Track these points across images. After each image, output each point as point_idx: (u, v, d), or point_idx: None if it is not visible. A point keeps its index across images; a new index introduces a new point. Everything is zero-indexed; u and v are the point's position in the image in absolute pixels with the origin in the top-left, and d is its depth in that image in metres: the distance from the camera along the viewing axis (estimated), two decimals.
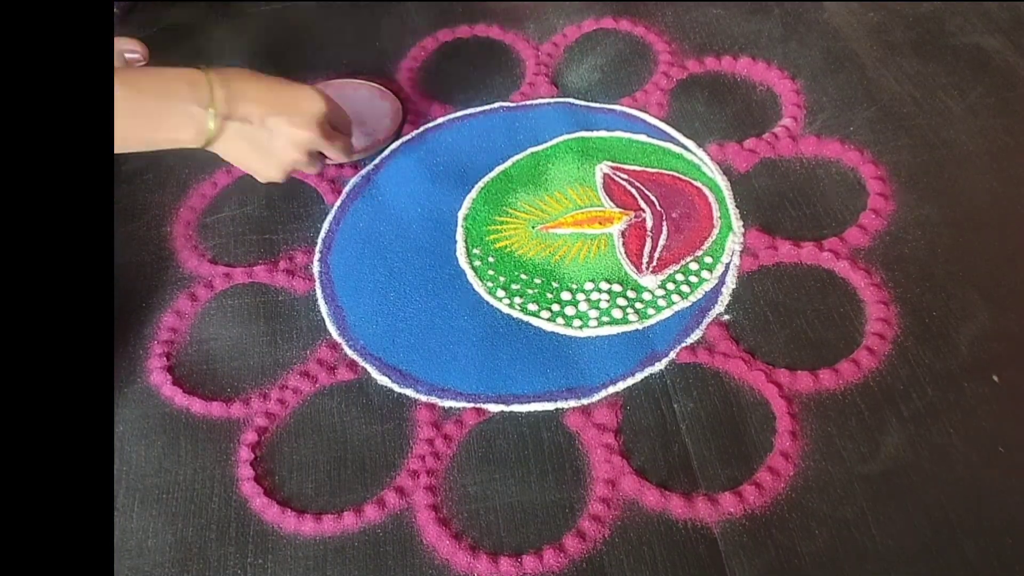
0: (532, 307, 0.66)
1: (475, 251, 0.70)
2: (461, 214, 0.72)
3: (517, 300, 0.66)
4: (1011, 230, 0.66)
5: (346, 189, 0.75)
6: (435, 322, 0.66)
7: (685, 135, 0.76)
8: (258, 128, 0.63)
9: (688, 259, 0.67)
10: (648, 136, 0.76)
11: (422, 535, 0.56)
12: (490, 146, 0.77)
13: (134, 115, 0.60)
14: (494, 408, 0.61)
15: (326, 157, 0.69)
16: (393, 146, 0.78)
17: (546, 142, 0.76)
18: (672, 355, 0.62)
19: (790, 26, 0.83)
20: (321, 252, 0.71)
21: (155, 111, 0.60)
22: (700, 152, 0.74)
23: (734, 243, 0.68)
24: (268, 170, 0.66)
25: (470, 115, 0.80)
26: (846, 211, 0.68)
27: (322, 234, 0.72)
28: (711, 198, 0.71)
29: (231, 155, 0.65)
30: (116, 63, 0.69)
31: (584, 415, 0.60)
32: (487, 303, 0.66)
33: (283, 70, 0.82)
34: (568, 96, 0.80)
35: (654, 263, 0.67)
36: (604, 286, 0.66)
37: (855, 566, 0.52)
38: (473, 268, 0.68)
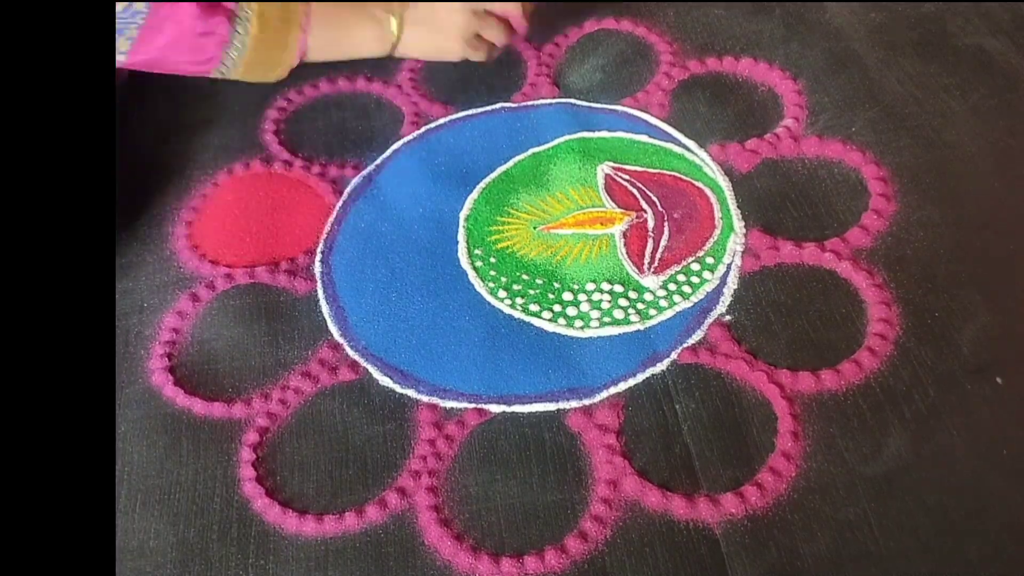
0: (534, 307, 0.66)
1: (476, 251, 0.70)
2: (463, 214, 0.72)
3: (519, 300, 0.66)
4: (1013, 231, 0.66)
5: (347, 190, 0.75)
6: (437, 322, 0.66)
7: (687, 135, 0.75)
8: (424, 13, 0.76)
9: (690, 260, 0.67)
10: (650, 136, 0.76)
11: (424, 536, 0.56)
12: (492, 146, 0.77)
13: (332, 26, 0.74)
14: (496, 409, 0.61)
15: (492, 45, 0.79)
16: (395, 146, 0.78)
17: (547, 142, 0.76)
18: (674, 356, 0.62)
19: (792, 26, 0.83)
20: (323, 252, 0.71)
21: (350, 20, 0.75)
22: (702, 153, 0.74)
23: (736, 244, 0.68)
24: (450, 44, 0.77)
25: (471, 115, 0.80)
26: (848, 212, 0.68)
27: (323, 234, 0.72)
28: (713, 199, 0.71)
29: (415, 48, 0.78)
30: None
31: (586, 416, 0.60)
32: (488, 303, 0.66)
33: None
34: (570, 96, 0.80)
35: (656, 264, 0.67)
36: (606, 287, 0.66)
37: (857, 567, 0.52)
38: (475, 268, 0.68)
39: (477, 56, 0.79)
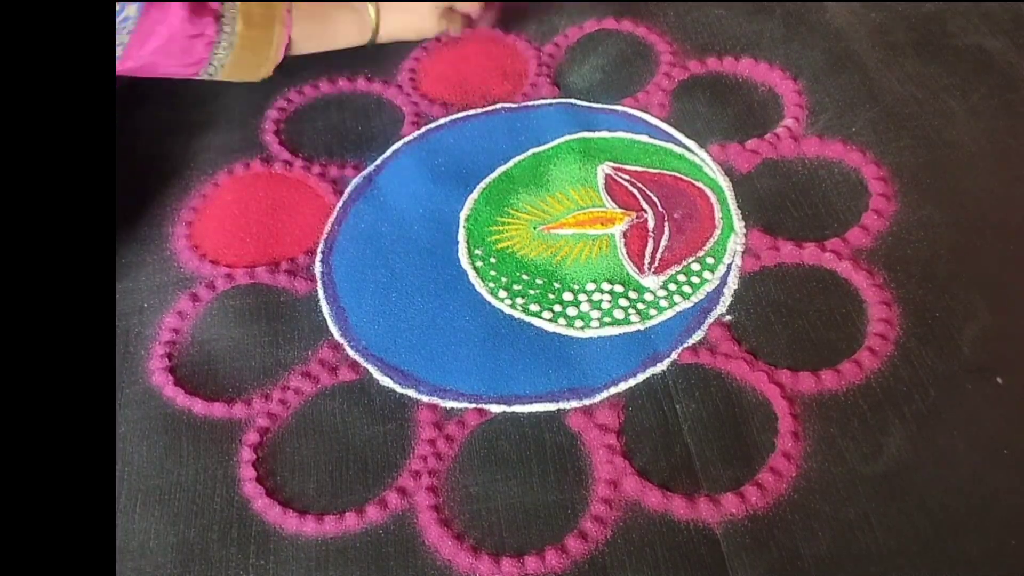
0: (534, 308, 0.66)
1: (477, 251, 0.70)
2: (463, 215, 0.72)
3: (519, 301, 0.66)
4: (1013, 231, 0.66)
5: (348, 190, 0.75)
6: (437, 323, 0.66)
7: (687, 136, 0.76)
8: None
9: (690, 260, 0.67)
10: (650, 137, 0.76)
11: (424, 536, 0.56)
12: (492, 147, 0.77)
13: (313, 19, 0.77)
14: (496, 409, 0.61)
15: (466, 18, 0.84)
16: (395, 147, 0.78)
17: (548, 143, 0.76)
18: (674, 356, 0.62)
19: (792, 27, 0.83)
20: (323, 253, 0.71)
21: (330, 13, 0.78)
22: (702, 153, 0.74)
23: (736, 244, 0.68)
24: (426, 22, 0.81)
25: (472, 116, 0.80)
26: (848, 212, 0.68)
27: (324, 235, 0.72)
28: (713, 199, 0.71)
29: (393, 31, 0.81)
30: None
31: (586, 416, 0.60)
32: (489, 304, 0.66)
33: (284, 70, 0.82)
34: (570, 97, 0.80)
35: (656, 264, 0.67)
36: (606, 287, 0.66)
37: (857, 567, 0.52)
38: (475, 268, 0.68)
39: (454, 29, 0.83)
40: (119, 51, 0.68)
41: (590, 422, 0.59)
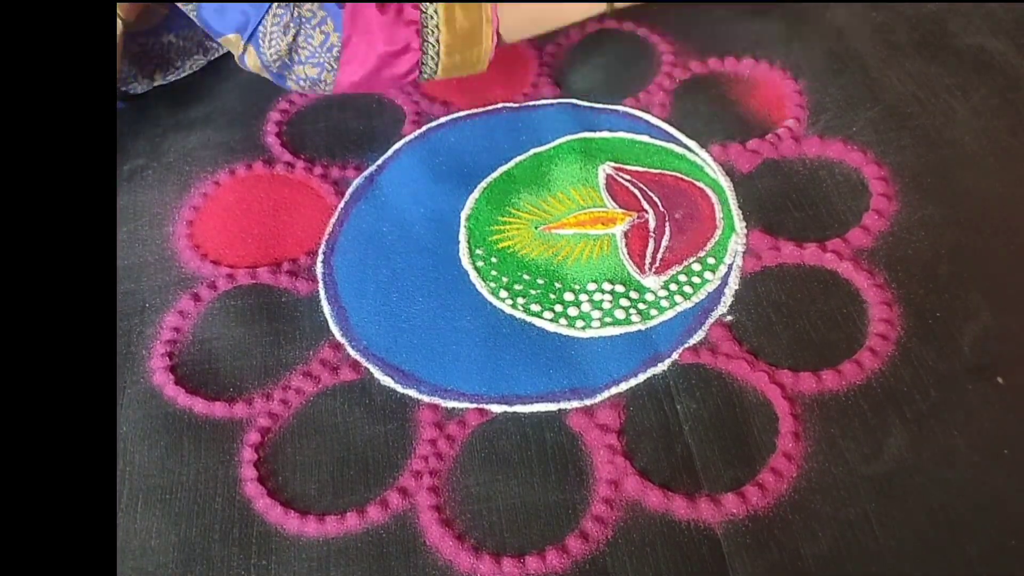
0: (535, 308, 0.66)
1: (478, 251, 0.70)
2: (464, 214, 0.72)
3: (520, 301, 0.66)
4: (1014, 231, 0.66)
5: (349, 191, 0.75)
6: (438, 323, 0.66)
7: (688, 136, 0.76)
8: None
9: (691, 260, 0.67)
10: (651, 137, 0.76)
11: (425, 536, 0.56)
12: (493, 146, 0.77)
13: (520, 7, 0.73)
14: (497, 409, 0.61)
15: None
16: (396, 146, 0.78)
17: (549, 142, 0.76)
18: (675, 356, 0.62)
19: (793, 27, 0.83)
20: (324, 253, 0.71)
21: None
22: (703, 153, 0.74)
23: (737, 244, 0.68)
24: None
25: (473, 115, 0.80)
26: (849, 212, 0.68)
27: (325, 236, 0.72)
28: (714, 199, 0.71)
29: None
30: None
31: (587, 416, 0.60)
32: (490, 304, 0.66)
33: None
34: (571, 96, 0.80)
35: (657, 264, 0.67)
36: (607, 287, 0.66)
37: (858, 567, 0.52)
38: (476, 268, 0.69)
39: None
40: (331, 76, 0.69)
41: (591, 422, 0.59)
